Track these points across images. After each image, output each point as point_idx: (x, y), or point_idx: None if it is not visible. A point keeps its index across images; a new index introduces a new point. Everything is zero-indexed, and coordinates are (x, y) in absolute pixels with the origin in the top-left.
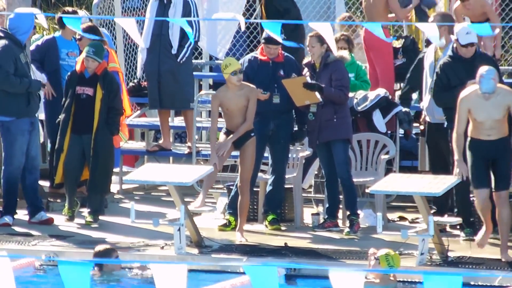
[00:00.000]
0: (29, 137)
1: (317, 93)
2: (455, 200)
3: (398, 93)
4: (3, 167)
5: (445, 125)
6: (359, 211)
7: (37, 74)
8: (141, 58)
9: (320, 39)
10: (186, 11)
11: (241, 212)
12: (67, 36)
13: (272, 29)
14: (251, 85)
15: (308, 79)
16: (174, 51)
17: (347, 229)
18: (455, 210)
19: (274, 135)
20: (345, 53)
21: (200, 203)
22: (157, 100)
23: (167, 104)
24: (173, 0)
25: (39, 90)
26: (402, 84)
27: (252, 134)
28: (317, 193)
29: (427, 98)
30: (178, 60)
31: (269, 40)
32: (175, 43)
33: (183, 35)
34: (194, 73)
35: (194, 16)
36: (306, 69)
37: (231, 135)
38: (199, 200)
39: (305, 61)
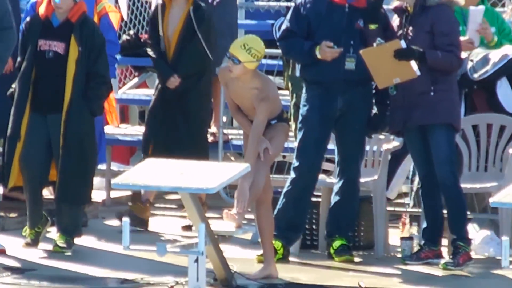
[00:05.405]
0: None
1: (413, 64)
2: None
3: None
4: None
5: None
6: (473, 234)
7: None
8: None
9: None
10: None
11: (263, 233)
12: None
13: None
14: (267, 79)
15: (403, 43)
16: None
17: (446, 260)
18: None
19: (343, 117)
20: None
21: (237, 221)
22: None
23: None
24: None
25: None
26: None
27: (273, 122)
28: (412, 206)
29: None
30: (210, 0)
31: None
32: None
33: None
34: None
35: None
36: (396, 17)
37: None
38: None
39: (394, 4)
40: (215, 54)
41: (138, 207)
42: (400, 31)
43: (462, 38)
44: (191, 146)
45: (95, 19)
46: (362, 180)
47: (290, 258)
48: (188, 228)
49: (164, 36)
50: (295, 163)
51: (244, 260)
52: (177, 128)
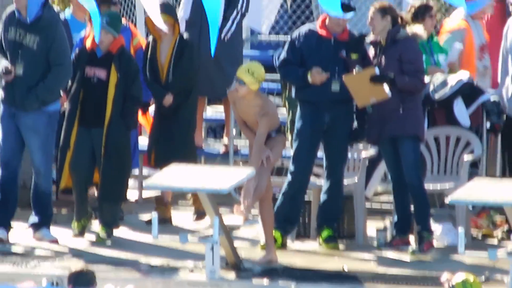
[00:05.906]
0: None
1: (385, 86)
2: None
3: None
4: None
5: None
6: (435, 226)
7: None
8: None
9: (383, 10)
10: None
11: (265, 226)
12: (78, 15)
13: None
14: (267, 99)
15: (377, 70)
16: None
17: (413, 247)
18: None
19: (329, 130)
20: (419, 29)
21: (244, 215)
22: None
23: (207, 91)
24: None
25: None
26: None
27: (273, 135)
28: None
29: (508, 84)
30: (222, 36)
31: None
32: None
33: (229, 4)
34: None
35: None
36: (371, 48)
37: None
38: (242, 211)
39: (370, 39)
40: (194, 76)
41: (161, 209)
42: (375, 60)
43: (437, 68)
44: (184, 150)
45: (131, 51)
46: (345, 182)
47: (288, 246)
48: (200, 217)
49: (158, 63)
50: (291, 168)
51: (249, 248)
52: (172, 137)
